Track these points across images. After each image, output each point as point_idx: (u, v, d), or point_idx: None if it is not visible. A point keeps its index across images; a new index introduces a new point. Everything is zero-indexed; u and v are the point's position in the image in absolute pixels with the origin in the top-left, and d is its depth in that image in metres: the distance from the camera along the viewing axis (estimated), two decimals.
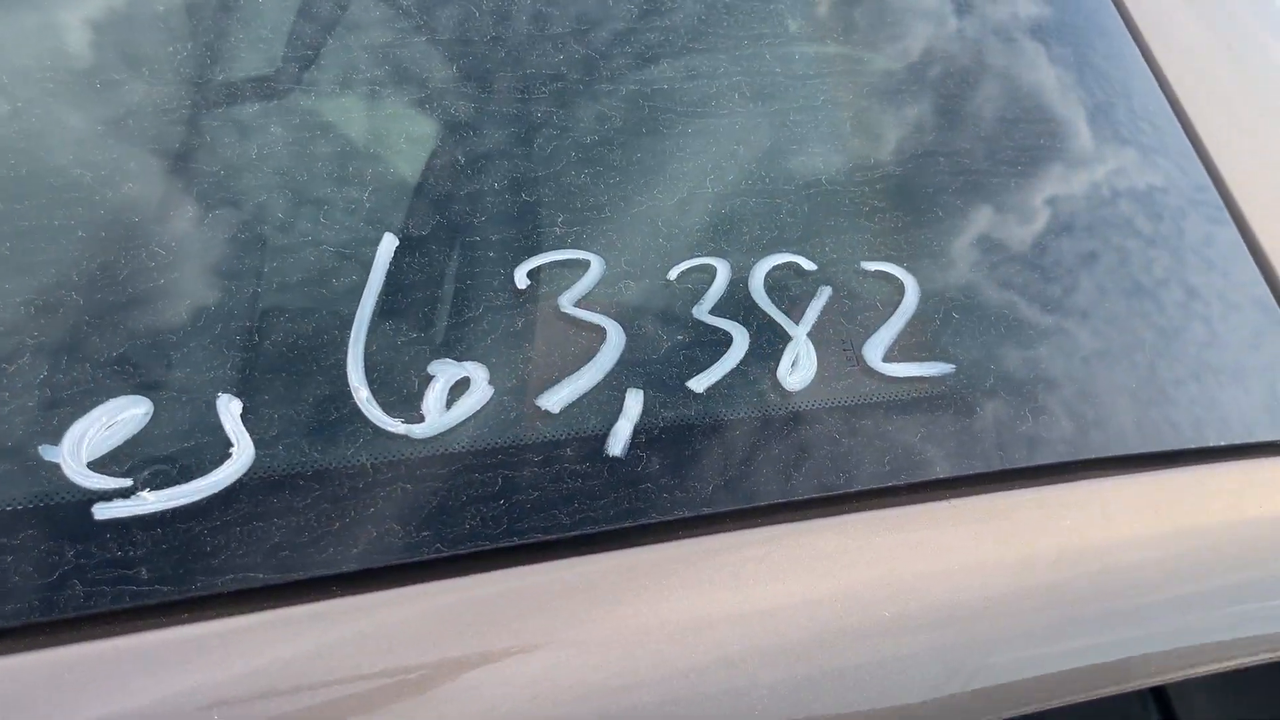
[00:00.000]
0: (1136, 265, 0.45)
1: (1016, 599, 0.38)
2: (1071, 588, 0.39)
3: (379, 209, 0.37)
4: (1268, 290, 0.46)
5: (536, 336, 0.36)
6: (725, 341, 0.38)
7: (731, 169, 0.43)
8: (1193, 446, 0.42)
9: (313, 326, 0.34)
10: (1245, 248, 0.47)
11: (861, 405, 0.39)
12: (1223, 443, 0.42)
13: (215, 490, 0.31)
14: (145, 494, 0.31)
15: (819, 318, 0.40)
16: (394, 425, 0.34)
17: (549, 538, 0.33)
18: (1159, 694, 1.24)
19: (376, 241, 0.37)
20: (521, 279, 0.37)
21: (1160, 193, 0.48)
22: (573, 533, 0.33)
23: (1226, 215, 0.48)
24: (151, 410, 0.32)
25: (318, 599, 0.31)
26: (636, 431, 0.35)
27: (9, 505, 0.30)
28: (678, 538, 0.34)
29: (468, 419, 0.34)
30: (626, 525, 0.34)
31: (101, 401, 0.31)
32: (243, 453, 0.32)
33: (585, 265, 0.38)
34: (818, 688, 0.35)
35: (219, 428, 0.32)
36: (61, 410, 0.31)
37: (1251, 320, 0.46)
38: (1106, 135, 0.49)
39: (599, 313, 0.37)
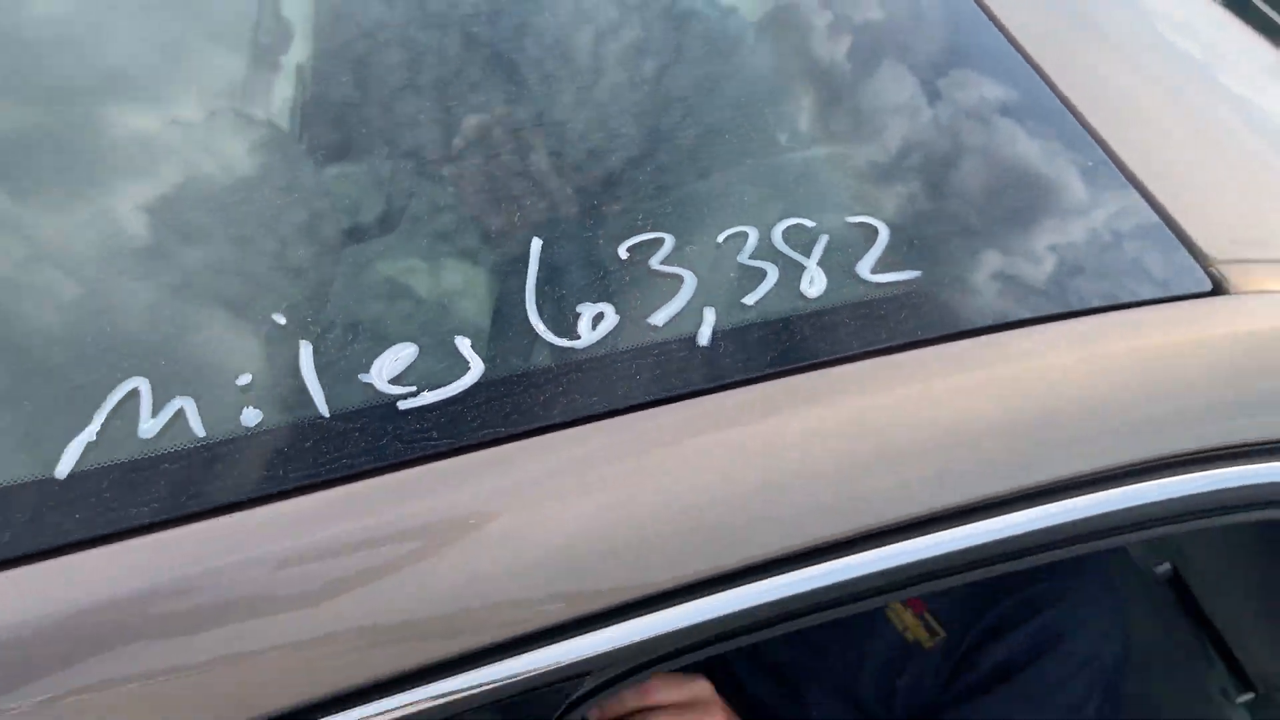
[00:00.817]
0: (1032, 175, 0.65)
1: (1001, 425, 0.56)
2: (1048, 411, 0.57)
3: (530, 225, 0.58)
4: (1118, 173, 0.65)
5: (641, 284, 0.56)
6: (762, 274, 0.58)
7: (750, 192, 0.63)
8: (1111, 303, 0.60)
9: (508, 295, 0.55)
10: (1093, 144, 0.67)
11: (861, 301, 0.58)
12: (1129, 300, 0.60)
13: (466, 388, 0.51)
14: (425, 394, 0.51)
15: (823, 254, 0.59)
16: (563, 342, 0.53)
17: (667, 395, 0.52)
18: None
19: (529, 243, 0.58)
20: (624, 252, 0.58)
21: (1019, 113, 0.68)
22: (679, 391, 0.52)
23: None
24: (418, 349, 0.52)
25: (535, 435, 0.50)
26: (714, 331, 0.55)
27: (354, 408, 0.50)
28: (749, 385, 0.53)
29: (607, 335, 0.54)
30: (713, 385, 0.53)
31: (390, 347, 0.52)
32: (476, 367, 0.52)
33: (662, 240, 0.59)
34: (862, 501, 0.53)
35: (460, 355, 0.52)
36: (372, 353, 0.52)
37: (1113, 200, 0.64)
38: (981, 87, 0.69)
39: (677, 266, 0.57)
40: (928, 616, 1.04)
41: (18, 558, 0.44)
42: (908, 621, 1.05)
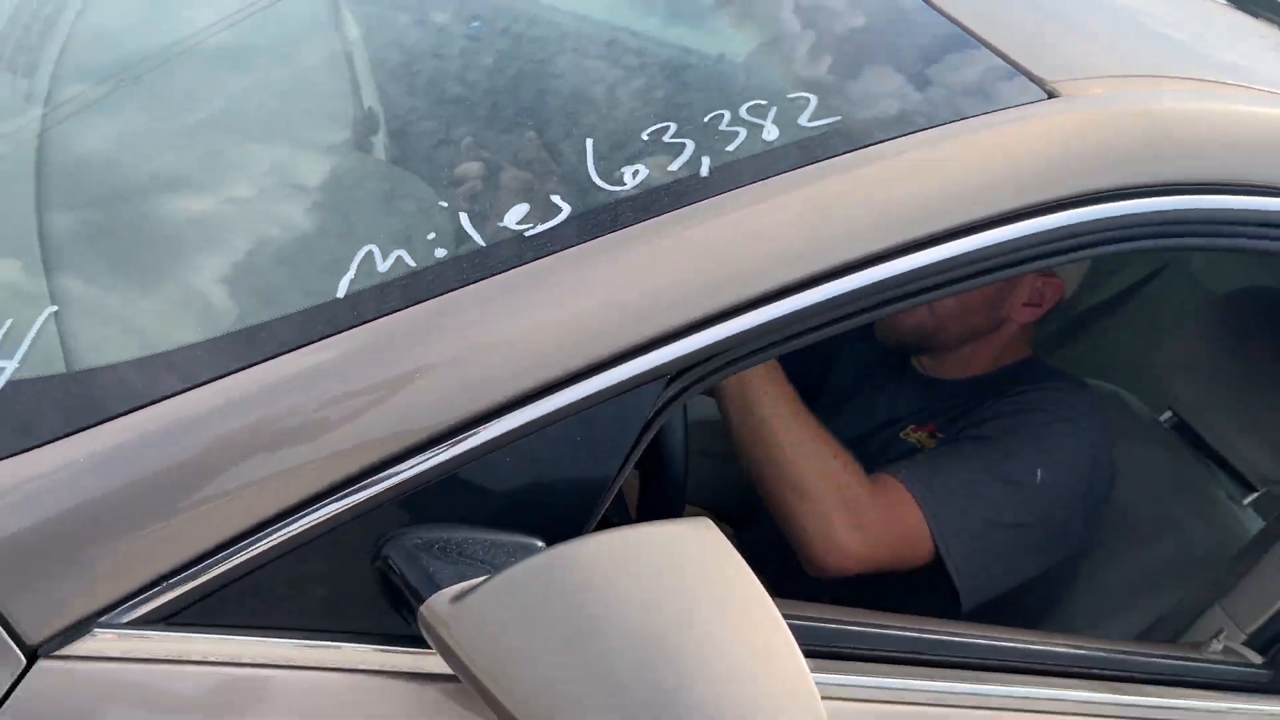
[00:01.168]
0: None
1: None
2: (940, 180, 0.87)
3: (584, 134, 0.91)
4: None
5: (659, 151, 0.88)
6: (736, 134, 0.89)
7: (721, 91, 0.96)
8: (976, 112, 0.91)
9: (578, 170, 0.87)
10: None
11: (804, 138, 0.89)
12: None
13: (562, 219, 0.83)
14: (540, 225, 0.83)
15: (775, 116, 0.91)
16: (616, 189, 0.85)
17: (688, 202, 0.83)
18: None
19: (584, 142, 0.90)
20: (645, 136, 0.90)
21: None
22: (695, 199, 0.84)
23: None
24: (530, 205, 0.84)
25: (610, 233, 0.81)
26: (710, 168, 0.86)
27: (499, 240, 0.82)
28: (740, 188, 0.84)
29: (642, 180, 0.86)
30: (715, 193, 0.84)
31: (514, 205, 0.84)
32: (566, 209, 0.84)
33: (668, 127, 0.91)
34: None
35: (554, 204, 0.84)
36: (502, 211, 0.84)
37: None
38: None
39: (679, 139, 0.89)
40: (937, 434, 1.32)
41: (322, 336, 0.76)
42: (922, 440, 1.33)
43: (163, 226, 0.91)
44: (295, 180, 0.93)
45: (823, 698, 0.72)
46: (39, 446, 0.71)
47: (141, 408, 0.72)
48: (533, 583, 0.72)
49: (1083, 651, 1.08)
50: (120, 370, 0.77)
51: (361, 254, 0.82)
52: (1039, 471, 1.23)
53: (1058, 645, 1.07)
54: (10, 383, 0.76)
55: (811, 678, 0.72)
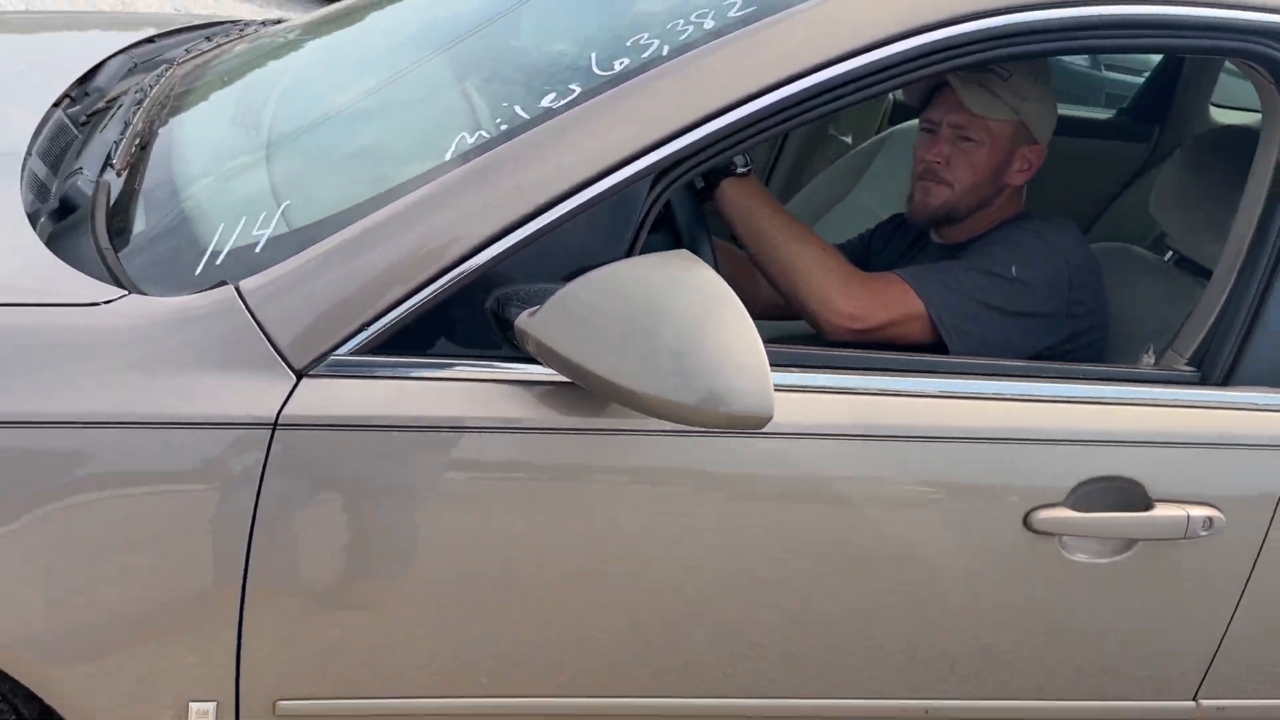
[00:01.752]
0: None
1: None
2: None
3: (591, 46, 1.40)
4: None
5: (640, 50, 1.36)
6: (690, 29, 1.36)
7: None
8: None
9: (584, 66, 1.36)
10: None
11: (735, 19, 1.34)
12: None
13: (578, 94, 1.31)
14: (563, 99, 1.31)
15: (713, 15, 1.37)
16: (609, 72, 1.33)
17: (665, 61, 1.30)
18: None
19: (590, 55, 1.39)
20: (628, 44, 1.38)
21: None
22: (670, 59, 1.30)
23: None
24: (556, 93, 1.33)
25: (614, 87, 1.29)
26: (669, 49, 1.33)
27: (541, 112, 1.31)
28: (697, 48, 1.30)
29: (628, 64, 1.33)
30: (681, 54, 1.31)
31: (548, 94, 1.34)
32: (578, 89, 1.32)
33: (645, 33, 1.38)
34: None
35: (572, 90, 1.33)
36: (544, 92, 1.33)
37: None
38: None
39: (651, 39, 1.37)
40: None
41: (441, 176, 1.26)
42: None
43: (340, 156, 1.45)
44: (416, 113, 1.47)
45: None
46: (286, 259, 1.24)
47: (339, 230, 1.24)
48: (570, 296, 1.18)
49: (1031, 364, 1.44)
50: (329, 219, 1.30)
51: (457, 138, 1.33)
52: (1013, 267, 1.60)
53: (1008, 364, 1.44)
54: (269, 239, 1.30)
55: (759, 337, 1.14)
